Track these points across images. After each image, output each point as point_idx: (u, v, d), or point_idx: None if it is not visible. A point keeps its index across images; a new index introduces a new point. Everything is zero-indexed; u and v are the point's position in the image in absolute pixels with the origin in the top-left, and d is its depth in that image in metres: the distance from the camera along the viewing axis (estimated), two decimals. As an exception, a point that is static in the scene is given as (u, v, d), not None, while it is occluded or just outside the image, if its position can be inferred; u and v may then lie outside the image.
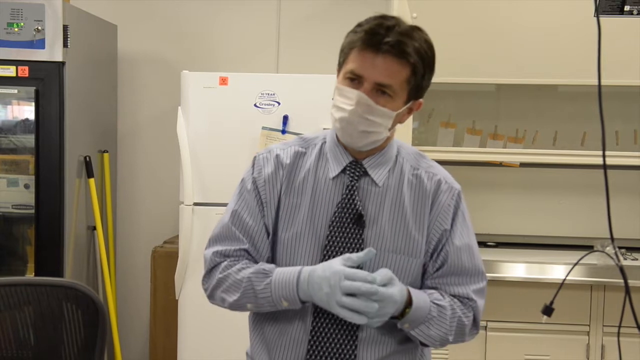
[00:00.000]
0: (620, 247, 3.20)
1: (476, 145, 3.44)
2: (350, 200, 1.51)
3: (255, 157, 1.62)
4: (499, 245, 3.43)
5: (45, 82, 3.05)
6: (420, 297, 1.49)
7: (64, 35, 3.04)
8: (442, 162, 3.54)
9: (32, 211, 3.11)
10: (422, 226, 1.53)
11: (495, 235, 3.47)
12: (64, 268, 3.13)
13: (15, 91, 3.17)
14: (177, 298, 3.14)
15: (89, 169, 3.29)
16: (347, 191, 1.52)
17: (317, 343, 1.49)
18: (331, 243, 1.50)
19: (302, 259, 1.52)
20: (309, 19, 3.74)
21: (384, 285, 1.40)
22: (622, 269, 1.48)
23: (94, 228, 3.36)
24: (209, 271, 1.59)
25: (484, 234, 3.46)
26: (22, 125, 3.27)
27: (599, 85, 1.57)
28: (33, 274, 3.13)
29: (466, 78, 3.18)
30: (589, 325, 2.89)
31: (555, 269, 2.93)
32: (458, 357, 2.93)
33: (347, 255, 1.43)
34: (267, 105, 3.07)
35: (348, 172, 1.54)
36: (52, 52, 3.04)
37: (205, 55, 3.73)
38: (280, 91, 3.06)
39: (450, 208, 1.56)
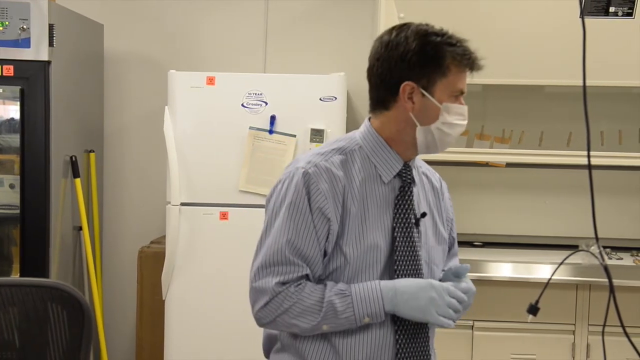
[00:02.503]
0: (605, 247, 3.23)
1: (463, 145, 3.45)
2: (409, 202, 1.58)
3: (303, 173, 1.52)
4: (485, 245, 3.44)
5: (30, 81, 3.03)
6: None
7: (49, 34, 3.02)
8: (429, 162, 3.55)
9: (17, 211, 3.09)
10: (442, 219, 1.70)
11: (481, 235, 3.49)
12: (49, 269, 3.11)
13: (0, 90, 3.15)
14: (163, 298, 3.13)
15: (75, 169, 3.27)
16: (402, 193, 1.58)
17: (403, 339, 1.55)
18: (400, 246, 1.55)
19: (372, 269, 1.54)
20: (297, 19, 3.74)
21: (463, 278, 1.59)
22: (606, 269, 1.49)
23: (80, 228, 3.34)
24: (270, 301, 1.51)
25: (471, 233, 3.48)
26: (7, 125, 3.24)
27: (584, 86, 1.58)
28: (18, 274, 3.10)
29: (453, 78, 3.18)
30: (574, 325, 2.91)
31: (541, 269, 2.95)
32: (444, 356, 2.94)
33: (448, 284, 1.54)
34: (255, 105, 3.07)
35: (403, 175, 1.59)
36: (38, 51, 3.02)
37: (192, 55, 3.72)
38: (267, 91, 3.06)
39: (449, 200, 1.77)
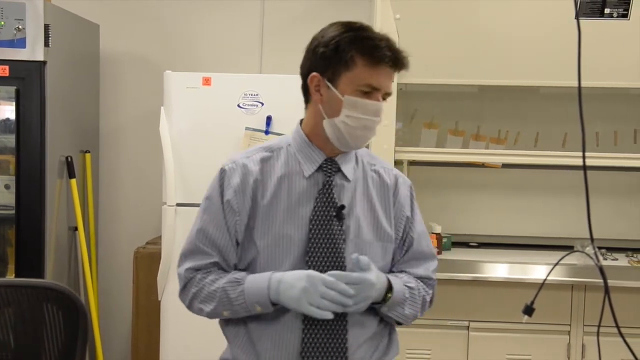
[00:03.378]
0: (600, 247, 3.24)
1: (459, 146, 3.46)
2: (329, 195, 1.61)
3: (221, 170, 1.65)
4: (481, 245, 3.45)
5: (26, 81, 3.03)
6: (397, 282, 1.64)
7: (45, 34, 3.01)
8: (424, 163, 3.59)
9: (13, 212, 3.08)
10: (389, 216, 1.68)
11: (477, 236, 3.50)
12: (44, 269, 3.10)
13: (-4, 90, 3.14)
14: (159, 299, 3.12)
15: (70, 170, 3.26)
16: (325, 187, 1.61)
17: (310, 329, 1.57)
18: (314, 238, 1.58)
19: (285, 259, 1.58)
20: (293, 19, 3.74)
21: (363, 270, 1.53)
22: (601, 269, 1.50)
23: (76, 229, 3.33)
24: (184, 286, 1.66)
25: (466, 234, 3.49)
26: (2, 125, 3.24)
27: (579, 87, 1.59)
28: (13, 275, 3.10)
29: (449, 79, 3.20)
30: (569, 325, 2.91)
31: (537, 269, 2.95)
32: (440, 356, 2.95)
33: (335, 272, 1.52)
34: (251, 105, 3.07)
35: (324, 169, 1.63)
36: (33, 51, 3.02)
37: (188, 56, 3.72)
38: (263, 92, 3.06)
39: (407, 198, 1.73)
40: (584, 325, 2.90)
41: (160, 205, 3.11)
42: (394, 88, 3.02)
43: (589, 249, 1.48)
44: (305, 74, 1.63)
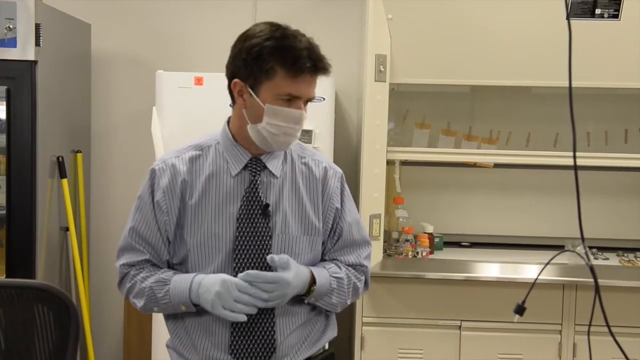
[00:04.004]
0: (591, 247, 3.25)
1: (451, 146, 3.47)
2: (255, 193, 1.66)
3: (151, 170, 1.71)
4: (473, 245, 3.46)
5: (17, 81, 3.01)
6: (322, 275, 1.70)
7: (36, 33, 3.00)
8: (416, 163, 3.60)
9: (3, 212, 3.07)
10: (317, 208, 1.73)
11: (469, 236, 3.51)
12: (35, 269, 3.09)
13: (-14, 90, 3.13)
14: (151, 299, 3.11)
15: (61, 169, 3.25)
16: (251, 185, 1.66)
17: (238, 324, 1.63)
18: (241, 235, 1.64)
19: (215, 256, 1.65)
20: (285, 20, 3.69)
21: (282, 269, 1.59)
22: (592, 269, 1.50)
23: (67, 229, 3.32)
24: (120, 280, 1.76)
25: (458, 234, 3.50)
26: (-7, 125, 3.23)
27: (570, 87, 1.60)
28: (4, 275, 3.08)
29: (441, 79, 3.20)
30: (561, 324, 2.92)
31: (528, 269, 2.96)
32: (432, 356, 2.95)
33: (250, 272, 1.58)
34: (243, 105, 3.06)
35: (250, 168, 1.68)
36: (24, 50, 3.00)
37: (180, 55, 3.71)
38: (255, 91, 3.05)
39: (337, 190, 1.77)
40: (575, 324, 2.91)
41: (152, 205, 3.10)
42: (385, 89, 3.05)
43: (580, 249, 1.49)
44: (229, 77, 1.66)
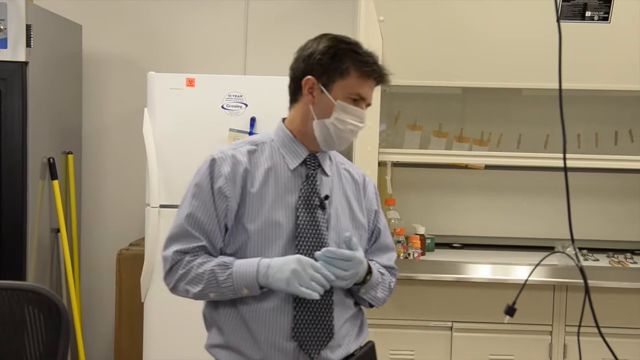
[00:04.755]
0: (582, 248, 3.27)
1: (442, 147, 3.48)
2: (313, 186, 1.75)
3: (211, 159, 1.76)
4: (464, 246, 3.47)
5: (7, 82, 3.00)
6: (374, 266, 1.81)
7: (27, 34, 2.99)
8: (408, 165, 3.60)
9: (-6, 213, 3.05)
10: (362, 209, 1.86)
11: (460, 237, 3.51)
12: (26, 271, 3.08)
13: (-23, 91, 3.11)
14: (142, 301, 3.11)
15: (52, 171, 3.24)
16: (310, 179, 1.76)
17: (300, 310, 1.69)
18: (302, 225, 1.71)
19: (274, 243, 1.70)
20: (277, 21, 3.75)
21: (352, 249, 1.67)
22: (582, 270, 1.51)
23: (58, 230, 3.31)
24: (170, 268, 1.74)
25: (450, 235, 3.50)
26: (-17, 126, 3.21)
27: (560, 89, 1.61)
28: (-6, 277, 3.07)
29: (432, 81, 3.21)
30: (551, 325, 2.94)
31: (519, 270, 2.97)
32: (423, 357, 2.96)
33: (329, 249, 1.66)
34: (235, 107, 3.06)
35: (308, 163, 1.77)
36: (15, 51, 2.99)
37: (172, 57, 3.71)
38: (247, 93, 3.06)
39: (374, 195, 1.92)
40: (565, 325, 2.93)
41: (144, 206, 3.10)
42: (377, 90, 3.04)
43: (570, 250, 1.50)
44: (298, 76, 1.75)
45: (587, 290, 1.42)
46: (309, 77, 1.72)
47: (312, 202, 1.73)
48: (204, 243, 1.71)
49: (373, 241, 1.90)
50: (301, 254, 1.68)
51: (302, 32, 3.68)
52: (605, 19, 2.94)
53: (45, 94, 3.22)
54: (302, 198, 1.73)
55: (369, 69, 1.72)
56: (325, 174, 1.80)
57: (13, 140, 3.03)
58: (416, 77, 3.17)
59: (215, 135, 3.04)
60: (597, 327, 1.50)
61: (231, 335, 1.73)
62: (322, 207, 1.74)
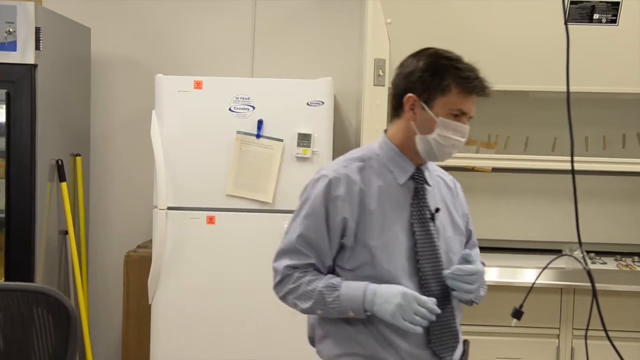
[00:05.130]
0: (589, 252, 3.25)
1: (449, 150, 3.46)
2: (423, 201, 1.80)
3: (324, 178, 1.77)
4: (471, 249, 3.45)
5: (16, 84, 3.02)
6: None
7: (36, 37, 3.01)
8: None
9: (3, 215, 3.07)
10: (458, 213, 1.92)
11: (468, 240, 3.50)
12: (34, 273, 3.09)
13: (-14, 93, 3.13)
14: (150, 303, 3.12)
15: (60, 173, 3.25)
16: (419, 193, 1.80)
17: (433, 322, 1.72)
18: (419, 239, 1.76)
19: (394, 258, 1.74)
20: (284, 23, 3.75)
21: (472, 262, 1.75)
22: (589, 273, 1.51)
23: (66, 232, 3.32)
24: (281, 281, 1.79)
25: (457, 238, 3.49)
26: (-8, 128, 3.23)
27: (567, 92, 1.61)
28: (3, 278, 3.08)
29: (440, 84, 3.20)
30: (558, 329, 2.93)
31: (527, 273, 2.96)
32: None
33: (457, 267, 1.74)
34: (242, 109, 3.07)
35: (415, 177, 1.81)
36: (24, 54, 3.01)
37: (179, 59, 3.72)
38: (255, 95, 3.07)
39: (464, 199, 1.99)
40: (573, 328, 2.91)
41: (151, 208, 3.11)
42: (384, 93, 3.05)
43: (577, 253, 1.50)
44: (400, 93, 1.78)
45: (594, 293, 1.42)
46: (410, 95, 1.75)
47: (425, 215, 1.78)
48: (313, 261, 1.77)
49: (466, 242, 1.96)
50: (421, 268, 1.74)
51: (310, 35, 3.74)
52: (614, 21, 2.93)
53: (54, 97, 3.24)
54: (415, 213, 1.78)
55: (470, 85, 1.74)
56: (428, 185, 1.84)
57: (22, 142, 3.04)
58: (423, 79, 3.16)
59: (223, 138, 3.05)
60: (605, 330, 1.50)
61: (369, 340, 1.76)
62: (433, 219, 1.79)
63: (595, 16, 2.93)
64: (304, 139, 3.04)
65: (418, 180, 1.82)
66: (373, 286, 1.70)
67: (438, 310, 1.68)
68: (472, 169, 3.44)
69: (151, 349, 3.12)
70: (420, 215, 1.78)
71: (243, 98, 3.07)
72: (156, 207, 3.07)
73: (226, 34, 3.76)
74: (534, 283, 1.59)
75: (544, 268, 1.61)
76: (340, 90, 3.58)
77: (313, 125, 3.05)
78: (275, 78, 3.20)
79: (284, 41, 3.74)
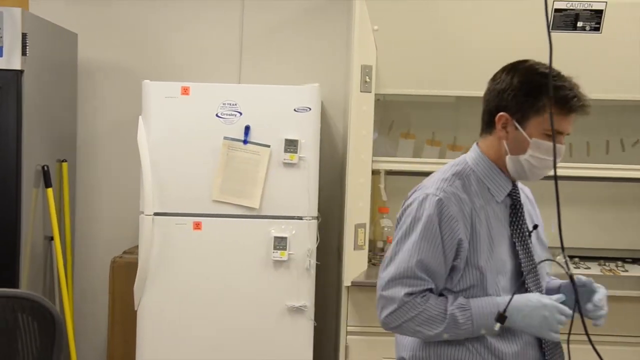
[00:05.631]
0: (573, 257, 3.28)
1: (435, 156, 3.49)
2: (522, 218, 1.77)
3: (436, 199, 1.70)
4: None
5: (2, 90, 3.01)
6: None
7: (22, 43, 3.00)
8: (402, 173, 3.61)
9: (-12, 221, 3.05)
10: (541, 226, 1.86)
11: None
12: (19, 279, 3.07)
13: (-29, 99, 3.12)
14: (136, 309, 3.11)
15: (46, 179, 3.24)
16: (519, 210, 1.77)
17: (547, 343, 1.73)
18: (523, 258, 1.72)
19: (504, 278, 1.72)
20: (272, 30, 3.77)
21: (592, 288, 1.73)
22: (572, 278, 1.53)
23: (52, 238, 3.31)
24: (398, 309, 1.69)
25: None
26: (-22, 134, 3.21)
27: (551, 98, 1.63)
28: (-12, 285, 3.06)
29: (426, 90, 3.23)
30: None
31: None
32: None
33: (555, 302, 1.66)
34: (229, 115, 3.07)
35: (513, 194, 1.77)
36: (10, 60, 3.00)
37: (167, 65, 3.72)
38: (242, 101, 3.07)
39: (537, 208, 1.93)
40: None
41: (138, 214, 3.11)
42: (371, 99, 3.07)
43: (560, 258, 1.51)
44: (492, 110, 1.73)
45: (577, 299, 1.43)
46: (503, 113, 1.69)
47: (524, 233, 1.75)
48: (432, 286, 1.71)
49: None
50: (528, 289, 1.71)
51: (297, 41, 3.76)
52: (597, 29, 2.97)
53: (40, 102, 3.23)
54: (515, 231, 1.74)
55: (568, 105, 1.66)
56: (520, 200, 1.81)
57: (7, 148, 3.03)
58: (410, 86, 3.19)
59: (210, 144, 3.05)
60: (587, 334, 1.51)
61: None
62: (530, 236, 1.77)
63: (579, 24, 2.96)
64: (291, 145, 3.05)
65: (514, 197, 1.78)
66: (503, 300, 1.65)
67: (569, 312, 1.64)
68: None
69: (137, 354, 3.11)
70: (521, 233, 1.75)
71: (230, 104, 3.07)
72: (142, 212, 3.07)
73: (214, 40, 3.76)
74: (516, 289, 1.61)
75: (527, 273, 1.63)
76: (327, 97, 3.59)
77: (300, 131, 3.06)
78: (262, 84, 3.20)
79: (272, 47, 3.75)
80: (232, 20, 3.75)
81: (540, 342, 1.71)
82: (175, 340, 3.09)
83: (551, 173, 1.64)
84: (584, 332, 1.51)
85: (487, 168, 1.76)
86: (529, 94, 1.66)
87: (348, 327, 2.99)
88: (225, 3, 3.75)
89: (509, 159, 1.71)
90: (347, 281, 2.97)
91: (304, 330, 3.08)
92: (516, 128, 1.68)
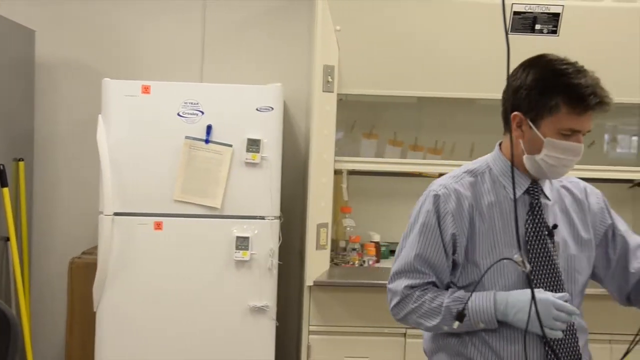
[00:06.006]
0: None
1: (397, 156, 3.52)
2: (539, 216, 1.72)
3: (434, 195, 1.73)
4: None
5: (-44, 86, 2.94)
6: None
7: (-23, 38, 2.94)
8: (364, 172, 3.63)
9: (-59, 221, 2.98)
10: (587, 226, 1.80)
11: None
12: (-26, 280, 3.01)
13: None
14: (95, 310, 3.06)
15: (2, 178, 3.17)
16: (535, 208, 1.72)
17: (551, 342, 1.67)
18: (533, 255, 1.69)
19: (508, 276, 1.69)
20: (234, 29, 3.75)
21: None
22: (528, 276, 1.56)
23: (7, 239, 3.24)
24: (400, 302, 1.75)
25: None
26: None
27: (508, 99, 1.66)
28: (-59, 287, 2.99)
29: (388, 90, 3.25)
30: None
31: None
32: (379, 364, 2.99)
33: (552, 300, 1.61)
34: (191, 114, 3.05)
35: (532, 192, 1.73)
36: (-36, 56, 2.93)
37: (127, 63, 3.68)
38: (204, 101, 3.05)
39: (599, 207, 1.84)
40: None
41: (97, 214, 3.06)
42: (333, 99, 3.08)
43: (517, 257, 1.54)
44: (507, 108, 1.69)
45: (533, 296, 1.46)
46: (517, 113, 1.66)
47: (541, 232, 1.71)
48: (433, 279, 1.73)
49: (620, 248, 1.82)
50: (538, 287, 1.67)
51: (259, 41, 3.75)
52: (554, 32, 3.03)
53: (-4, 100, 3.16)
54: (529, 229, 1.70)
55: (583, 104, 1.59)
56: (548, 199, 1.76)
57: (-38, 146, 2.96)
58: (372, 86, 3.21)
59: (171, 143, 3.03)
60: (544, 334, 1.55)
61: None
62: (551, 235, 1.71)
63: (537, 27, 3.02)
64: (253, 145, 3.04)
65: (534, 195, 1.73)
66: (502, 295, 1.65)
67: (577, 311, 1.63)
68: (419, 175, 3.50)
69: (95, 356, 3.07)
70: (536, 231, 1.71)
71: (192, 103, 3.05)
72: (102, 212, 3.02)
73: (175, 38, 3.73)
74: (476, 285, 1.63)
75: (486, 271, 1.65)
76: (290, 96, 3.59)
77: (262, 131, 3.06)
78: (224, 83, 3.19)
79: (234, 47, 3.74)
80: (194, 19, 3.73)
81: (546, 341, 1.66)
82: (135, 342, 3.05)
83: (569, 168, 1.65)
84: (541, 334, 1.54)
85: (504, 166, 1.76)
86: (542, 93, 1.62)
87: (310, 327, 2.99)
88: (187, 1, 3.72)
89: (526, 159, 1.69)
90: (309, 281, 2.98)
91: (266, 330, 3.07)
92: (531, 127, 1.65)
